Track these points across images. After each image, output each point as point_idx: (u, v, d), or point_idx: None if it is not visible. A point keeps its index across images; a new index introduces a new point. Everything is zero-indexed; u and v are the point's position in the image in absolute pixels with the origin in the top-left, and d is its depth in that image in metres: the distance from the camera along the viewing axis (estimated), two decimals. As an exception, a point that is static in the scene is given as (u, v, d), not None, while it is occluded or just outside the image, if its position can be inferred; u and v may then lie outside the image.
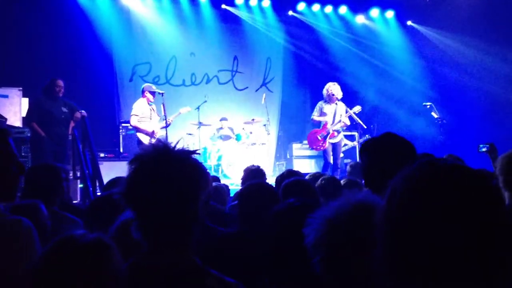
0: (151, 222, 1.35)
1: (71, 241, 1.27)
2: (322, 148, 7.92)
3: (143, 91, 7.76)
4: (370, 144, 2.16)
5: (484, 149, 4.39)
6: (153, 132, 7.59)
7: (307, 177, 4.09)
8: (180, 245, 1.37)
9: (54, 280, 1.22)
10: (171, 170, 1.35)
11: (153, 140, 7.51)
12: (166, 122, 7.77)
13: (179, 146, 1.44)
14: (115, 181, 3.35)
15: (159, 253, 1.35)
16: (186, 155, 1.42)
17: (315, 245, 1.22)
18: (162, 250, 1.36)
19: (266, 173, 4.54)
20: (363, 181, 3.43)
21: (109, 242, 1.31)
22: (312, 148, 8.23)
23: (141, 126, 7.54)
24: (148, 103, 7.71)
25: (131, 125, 7.81)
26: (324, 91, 7.89)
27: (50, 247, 1.28)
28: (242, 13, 10.97)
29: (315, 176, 4.07)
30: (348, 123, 7.91)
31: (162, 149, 1.39)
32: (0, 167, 1.62)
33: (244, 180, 4.11)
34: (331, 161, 7.91)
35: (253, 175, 4.08)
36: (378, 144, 2.13)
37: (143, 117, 7.60)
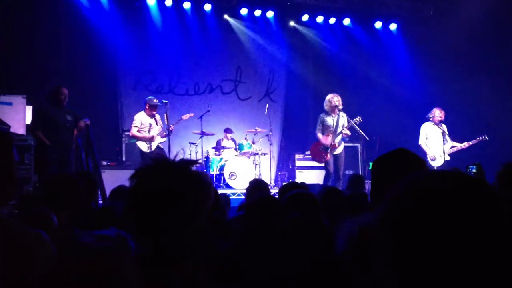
0: (151, 236, 1.34)
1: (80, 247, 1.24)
2: (324, 160, 7.92)
3: (144, 104, 8.08)
4: (380, 159, 2.13)
5: (474, 171, 4.43)
6: (152, 137, 7.94)
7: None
8: (182, 259, 1.36)
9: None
10: (171, 182, 1.34)
11: (153, 144, 7.74)
12: (168, 131, 7.90)
13: (179, 158, 1.44)
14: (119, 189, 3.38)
15: (160, 268, 1.34)
16: (186, 165, 1.40)
17: (346, 249, 1.23)
18: (162, 264, 1.34)
19: (267, 183, 4.54)
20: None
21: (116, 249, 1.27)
22: (315, 160, 8.24)
23: (139, 135, 7.97)
24: (149, 116, 8.02)
25: (130, 134, 8.24)
26: (326, 103, 7.90)
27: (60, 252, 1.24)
28: (246, 24, 11.03)
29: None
30: (349, 133, 7.90)
31: (161, 161, 1.39)
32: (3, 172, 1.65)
33: (249, 192, 4.09)
34: (332, 172, 7.91)
35: (258, 187, 4.06)
36: (388, 159, 2.10)
37: (143, 128, 7.97)
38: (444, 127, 8.42)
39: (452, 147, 8.27)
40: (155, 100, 8.03)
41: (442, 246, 0.78)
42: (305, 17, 10.99)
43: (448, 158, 8.23)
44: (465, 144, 8.17)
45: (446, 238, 0.78)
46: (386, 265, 0.85)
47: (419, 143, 8.39)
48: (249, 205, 2.70)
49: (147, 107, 8.01)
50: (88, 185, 3.57)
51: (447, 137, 8.32)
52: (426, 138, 8.39)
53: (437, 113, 8.34)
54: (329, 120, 7.90)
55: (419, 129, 8.58)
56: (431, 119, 8.38)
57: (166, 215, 1.31)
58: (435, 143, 8.29)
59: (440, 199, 0.81)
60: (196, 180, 1.38)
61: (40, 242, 1.54)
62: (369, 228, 1.21)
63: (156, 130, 7.99)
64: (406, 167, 1.94)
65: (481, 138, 8.09)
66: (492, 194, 0.84)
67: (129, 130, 9.35)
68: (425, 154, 8.29)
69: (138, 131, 7.95)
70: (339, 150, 7.95)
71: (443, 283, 0.78)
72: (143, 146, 7.98)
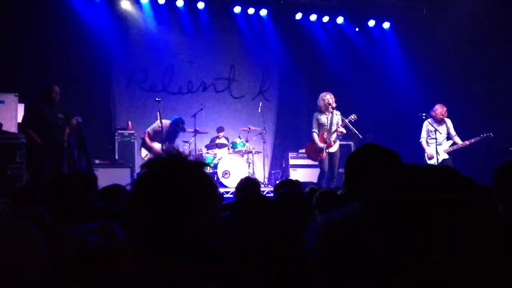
0: (153, 230, 1.32)
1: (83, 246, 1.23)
2: (320, 158, 7.92)
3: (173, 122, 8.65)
4: (349, 156, 2.15)
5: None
6: (151, 147, 8.50)
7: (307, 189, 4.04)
8: (181, 256, 1.34)
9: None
10: (183, 177, 1.33)
11: (149, 155, 8.16)
12: (162, 128, 8.07)
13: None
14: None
15: (157, 263, 1.33)
16: (199, 165, 1.40)
17: (313, 246, 1.24)
18: (161, 260, 1.33)
19: (260, 182, 4.51)
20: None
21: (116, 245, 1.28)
22: (310, 159, 8.25)
23: (147, 141, 8.60)
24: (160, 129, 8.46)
25: (141, 137, 8.83)
26: (319, 102, 7.91)
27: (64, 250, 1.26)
28: (239, 22, 11.00)
29: (312, 190, 4.05)
30: (344, 131, 7.92)
31: (175, 156, 1.37)
32: None
33: (237, 190, 4.06)
34: (326, 170, 7.92)
35: (248, 185, 4.04)
36: (356, 155, 2.12)
37: (152, 137, 8.59)
38: (449, 122, 8.16)
39: (452, 144, 8.00)
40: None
41: (432, 237, 0.79)
42: (299, 16, 10.98)
43: (446, 156, 7.99)
44: (466, 142, 7.84)
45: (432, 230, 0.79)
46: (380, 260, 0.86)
47: (420, 140, 8.26)
48: (233, 204, 2.69)
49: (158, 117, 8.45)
50: (85, 184, 3.50)
51: (452, 133, 8.05)
52: (427, 136, 8.20)
53: (439, 110, 8.10)
54: (323, 118, 7.91)
55: (412, 127, 8.59)
56: (433, 116, 8.13)
57: (170, 207, 1.30)
58: (435, 140, 8.02)
59: (423, 193, 0.82)
60: (205, 181, 1.37)
61: (28, 232, 1.54)
62: (335, 223, 1.24)
63: (157, 145, 8.47)
64: (373, 162, 1.96)
65: (484, 135, 7.72)
66: (472, 188, 0.85)
67: (122, 129, 9.41)
68: (424, 151, 8.20)
69: (148, 137, 8.57)
70: (334, 148, 7.96)
71: (440, 277, 0.79)
72: (143, 152, 8.63)
